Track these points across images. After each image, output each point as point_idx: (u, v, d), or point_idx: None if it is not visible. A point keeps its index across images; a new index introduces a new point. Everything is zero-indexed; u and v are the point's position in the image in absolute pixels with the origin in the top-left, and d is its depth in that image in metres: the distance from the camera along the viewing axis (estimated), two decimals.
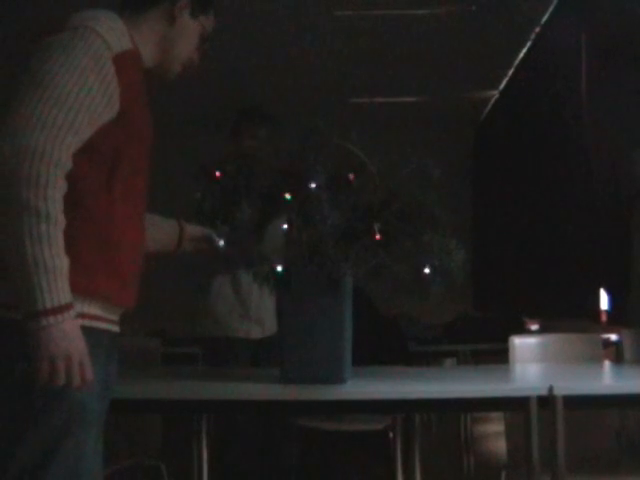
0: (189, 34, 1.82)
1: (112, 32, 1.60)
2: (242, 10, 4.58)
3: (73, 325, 1.49)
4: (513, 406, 2.22)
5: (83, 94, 1.52)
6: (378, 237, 2.10)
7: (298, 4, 4.75)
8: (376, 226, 2.11)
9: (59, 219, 1.47)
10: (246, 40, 5.08)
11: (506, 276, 6.24)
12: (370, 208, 2.15)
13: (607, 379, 2.64)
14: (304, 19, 4.93)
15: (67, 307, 1.47)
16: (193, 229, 2.34)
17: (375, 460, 3.87)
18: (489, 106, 6.95)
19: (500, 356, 3.02)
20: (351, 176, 2.19)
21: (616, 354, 3.42)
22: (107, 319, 1.65)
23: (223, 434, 3.25)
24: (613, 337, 3.75)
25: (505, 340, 2.87)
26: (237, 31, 4.63)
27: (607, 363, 2.93)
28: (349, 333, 2.23)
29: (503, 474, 2.64)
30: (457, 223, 2.24)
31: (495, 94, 6.64)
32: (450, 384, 2.31)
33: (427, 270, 2.07)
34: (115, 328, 1.69)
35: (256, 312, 3.23)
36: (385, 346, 3.61)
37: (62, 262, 1.47)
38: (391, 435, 3.22)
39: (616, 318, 3.78)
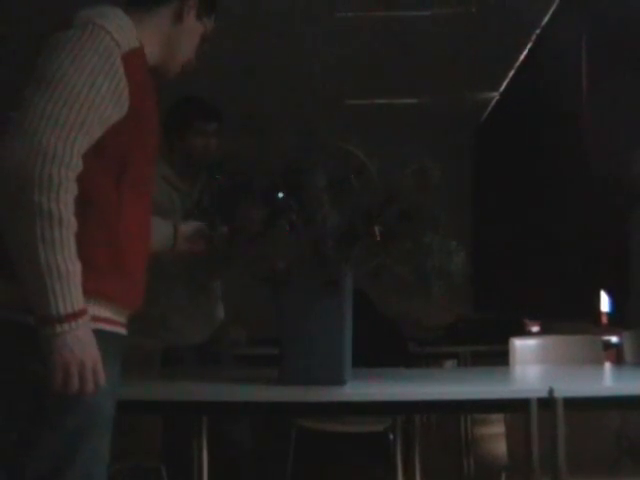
0: (193, 35, 1.81)
1: (120, 30, 1.57)
2: (242, 10, 4.58)
3: (87, 331, 1.47)
4: (513, 408, 2.22)
5: (93, 93, 1.50)
6: (378, 238, 2.10)
7: (299, 5, 4.74)
8: (376, 227, 2.10)
9: (71, 222, 1.44)
10: (246, 40, 5.07)
11: (506, 278, 6.23)
12: (370, 209, 2.14)
13: (607, 381, 2.64)
14: (305, 20, 4.93)
15: (81, 313, 1.45)
16: (186, 227, 2.34)
17: (375, 462, 3.86)
18: (489, 107, 6.95)
19: (500, 358, 3.01)
20: (351, 177, 2.19)
21: (617, 356, 3.42)
22: (116, 321, 1.63)
23: (221, 436, 3.23)
24: (614, 339, 3.75)
25: (505, 342, 2.87)
26: (237, 31, 4.62)
27: (608, 365, 2.93)
28: (349, 334, 2.23)
29: (503, 476, 2.64)
30: (457, 224, 2.24)
31: (496, 95, 6.63)
32: (450, 386, 2.30)
33: (427, 271, 2.07)
34: (123, 330, 1.67)
35: (211, 317, 3.10)
36: (385, 347, 3.60)
37: (75, 267, 1.44)
38: (391, 437, 3.21)
39: (617, 320, 3.78)
